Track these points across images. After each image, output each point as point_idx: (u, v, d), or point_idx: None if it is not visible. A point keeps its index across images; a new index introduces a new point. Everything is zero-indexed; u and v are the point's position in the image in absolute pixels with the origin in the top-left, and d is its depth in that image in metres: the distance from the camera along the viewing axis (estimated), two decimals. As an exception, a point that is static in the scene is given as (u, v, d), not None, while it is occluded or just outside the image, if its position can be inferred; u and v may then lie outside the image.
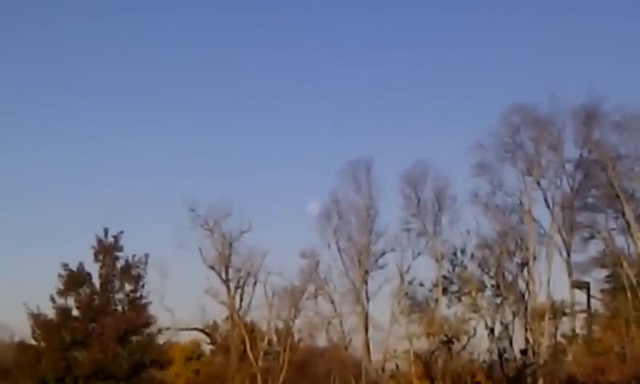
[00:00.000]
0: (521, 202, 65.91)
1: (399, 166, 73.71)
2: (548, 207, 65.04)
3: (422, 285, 70.43)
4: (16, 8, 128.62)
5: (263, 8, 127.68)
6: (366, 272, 70.45)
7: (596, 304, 64.04)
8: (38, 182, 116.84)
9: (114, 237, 50.66)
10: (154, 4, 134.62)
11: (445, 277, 69.28)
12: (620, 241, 63.24)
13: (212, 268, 70.61)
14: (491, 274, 66.82)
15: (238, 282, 71.30)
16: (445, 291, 68.85)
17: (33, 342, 49.70)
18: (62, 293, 49.19)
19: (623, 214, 60.86)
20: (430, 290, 69.99)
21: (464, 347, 67.00)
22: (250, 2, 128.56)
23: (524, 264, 65.22)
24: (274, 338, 73.10)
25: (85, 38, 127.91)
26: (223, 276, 70.76)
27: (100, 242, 50.35)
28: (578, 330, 64.39)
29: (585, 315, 61.87)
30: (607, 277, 65.35)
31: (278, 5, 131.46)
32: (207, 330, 76.33)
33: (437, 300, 68.83)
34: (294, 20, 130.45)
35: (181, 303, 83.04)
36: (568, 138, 65.06)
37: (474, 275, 67.80)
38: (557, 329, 65.43)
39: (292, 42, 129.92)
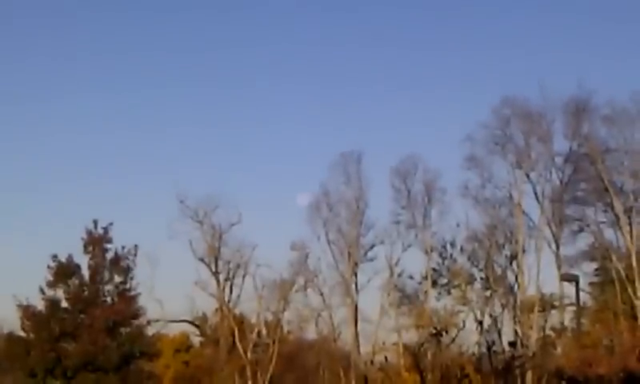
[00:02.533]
0: (510, 195, 66.19)
1: (389, 159, 73.68)
2: (537, 200, 65.32)
3: (411, 277, 70.65)
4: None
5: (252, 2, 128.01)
6: (356, 264, 70.55)
7: (585, 297, 64.11)
8: (26, 173, 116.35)
9: (104, 228, 50.47)
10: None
11: (434, 269, 69.47)
12: (609, 234, 63.57)
13: (202, 260, 70.72)
14: (480, 266, 67.09)
15: (228, 274, 71.40)
16: (434, 284, 69.01)
17: (22, 334, 49.48)
18: (51, 284, 48.98)
19: (612, 208, 61.01)
20: (420, 283, 70.20)
21: (453, 340, 67.12)
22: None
23: (513, 257, 65.45)
24: (264, 330, 73.04)
25: (74, 28, 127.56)
26: (213, 268, 70.85)
27: (89, 233, 50.17)
28: (566, 323, 64.61)
29: (574, 308, 61.77)
30: (596, 270, 65.62)
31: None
32: (196, 322, 76.43)
33: (426, 292, 68.95)
34: (284, 13, 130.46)
35: (170, 295, 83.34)
36: (558, 131, 65.38)
37: (464, 268, 68.04)
38: (546, 322, 65.73)
39: (282, 36, 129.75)
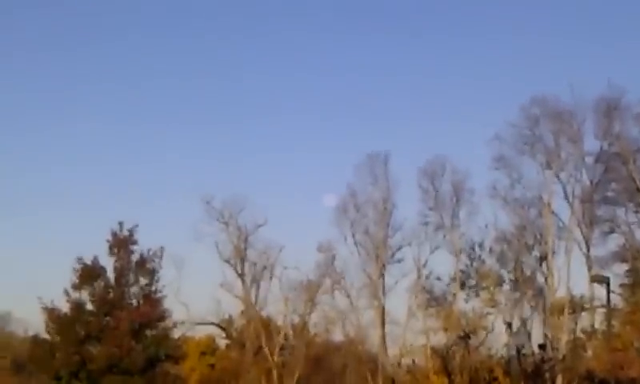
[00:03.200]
0: (540, 196, 65.42)
1: (417, 159, 73.20)
2: (567, 201, 64.67)
3: (439, 279, 70.03)
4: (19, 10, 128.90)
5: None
6: (383, 266, 70.16)
7: (616, 299, 63.10)
8: (52, 176, 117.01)
9: (129, 230, 50.29)
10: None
11: (462, 271, 68.82)
12: (640, 235, 62.79)
13: (227, 262, 70.70)
14: (509, 268, 66.37)
15: (254, 276, 71.39)
16: (462, 286, 68.41)
17: (47, 337, 49.41)
18: (76, 287, 48.85)
19: (644, 209, 60.38)
20: (448, 285, 69.59)
21: (482, 342, 66.60)
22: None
23: (543, 258, 64.80)
24: (290, 333, 72.95)
25: (104, 35, 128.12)
26: (239, 270, 70.81)
27: (115, 235, 50.00)
28: (597, 325, 63.70)
29: (604, 310, 61.07)
30: (627, 271, 64.63)
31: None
32: (222, 325, 76.26)
33: (454, 294, 68.40)
34: (310, 12, 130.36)
35: (196, 297, 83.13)
36: (588, 131, 64.66)
37: (492, 269, 67.29)
38: (576, 324, 64.88)
39: (306, 36, 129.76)
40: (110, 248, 49.94)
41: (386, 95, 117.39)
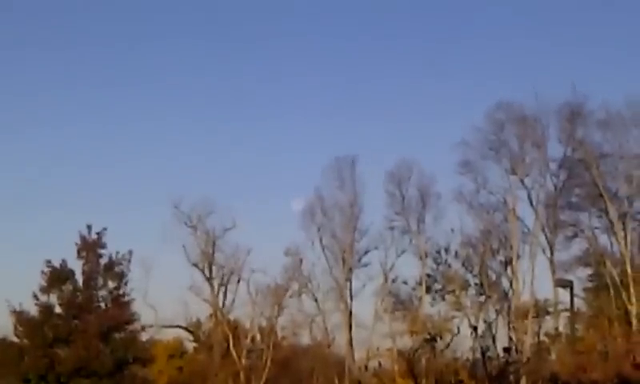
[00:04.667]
0: (505, 201, 66.03)
1: (384, 163, 73.51)
2: (532, 206, 65.21)
3: (405, 283, 70.58)
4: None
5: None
6: (350, 270, 70.49)
7: (579, 303, 64.18)
8: (20, 178, 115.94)
9: (98, 233, 50.16)
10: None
11: (428, 275, 69.36)
12: (603, 240, 63.51)
13: (195, 265, 70.67)
14: (475, 272, 66.87)
15: (222, 280, 71.43)
16: (428, 289, 68.92)
17: (15, 340, 49.26)
18: (44, 290, 48.72)
19: (607, 213, 60.98)
20: (414, 289, 70.09)
21: (447, 345, 66.83)
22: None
23: (507, 262, 65.35)
24: (258, 336, 73.02)
25: (67, 29, 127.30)
26: (207, 273, 70.86)
27: (83, 238, 49.88)
28: (561, 329, 64.53)
29: (568, 314, 61.81)
30: (590, 275, 65.56)
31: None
32: (190, 328, 76.25)
33: (420, 298, 68.91)
34: (279, 18, 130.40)
35: (164, 300, 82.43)
36: (552, 136, 65.20)
37: (458, 273, 67.82)
38: (540, 327, 65.72)
39: (274, 41, 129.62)
40: (79, 251, 49.84)
41: (354, 99, 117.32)
